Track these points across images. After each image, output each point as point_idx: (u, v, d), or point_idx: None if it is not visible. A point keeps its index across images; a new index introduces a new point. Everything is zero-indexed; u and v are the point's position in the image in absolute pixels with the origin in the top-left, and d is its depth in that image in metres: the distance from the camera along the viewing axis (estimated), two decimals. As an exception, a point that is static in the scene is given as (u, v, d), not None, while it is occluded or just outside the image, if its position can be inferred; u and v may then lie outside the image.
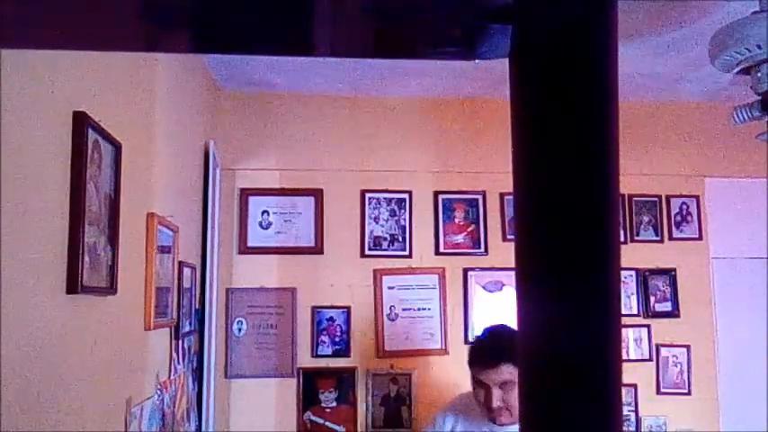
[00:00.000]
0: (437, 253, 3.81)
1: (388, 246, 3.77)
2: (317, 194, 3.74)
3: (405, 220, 3.79)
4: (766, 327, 3.88)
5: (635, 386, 3.84)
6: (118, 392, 1.85)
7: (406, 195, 3.80)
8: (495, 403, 2.14)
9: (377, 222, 3.78)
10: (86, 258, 1.50)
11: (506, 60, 0.24)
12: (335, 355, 3.68)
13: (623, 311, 3.61)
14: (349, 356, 3.68)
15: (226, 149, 3.64)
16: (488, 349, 2.22)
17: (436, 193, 3.84)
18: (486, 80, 3.52)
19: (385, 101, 3.85)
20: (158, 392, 2.28)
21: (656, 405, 3.86)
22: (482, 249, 3.83)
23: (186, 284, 2.71)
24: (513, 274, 0.24)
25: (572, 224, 0.22)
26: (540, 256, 0.23)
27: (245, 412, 3.59)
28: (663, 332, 3.91)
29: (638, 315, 3.91)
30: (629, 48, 3.08)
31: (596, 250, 0.23)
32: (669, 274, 3.95)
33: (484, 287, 3.80)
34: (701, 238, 3.99)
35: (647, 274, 3.93)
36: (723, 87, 3.66)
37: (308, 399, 3.62)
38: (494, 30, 0.24)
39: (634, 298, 3.91)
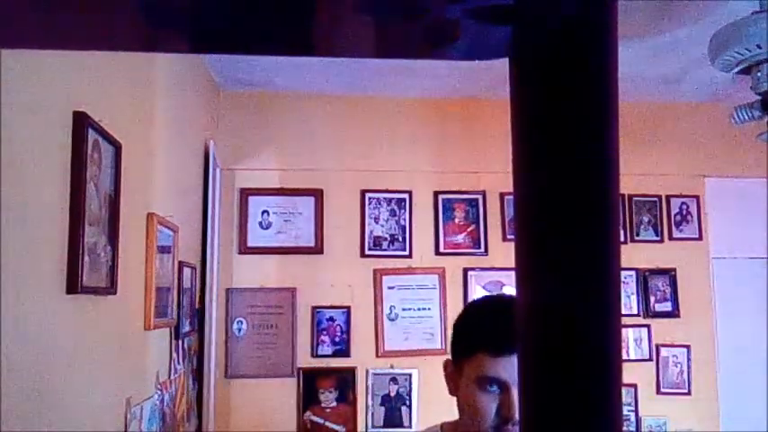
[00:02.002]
0: (437, 253, 3.81)
1: (388, 246, 3.77)
2: (317, 194, 3.74)
3: (405, 220, 3.79)
4: (766, 327, 3.88)
5: (635, 386, 3.84)
6: (118, 392, 1.85)
7: (406, 195, 3.80)
8: (515, 412, 1.24)
9: (377, 222, 3.78)
10: (86, 258, 1.50)
11: (506, 60, 0.24)
12: (335, 355, 3.68)
13: (623, 311, 3.61)
14: (349, 356, 3.68)
15: (226, 149, 3.64)
16: (508, 326, 1.20)
17: (436, 193, 3.84)
18: (486, 80, 3.52)
19: (385, 101, 3.85)
20: (158, 392, 2.28)
21: (656, 405, 3.86)
22: (482, 249, 3.83)
23: (186, 284, 2.71)
24: (513, 274, 0.24)
25: (572, 224, 0.22)
26: (540, 256, 0.23)
27: (245, 412, 3.59)
28: (663, 332, 3.91)
29: (638, 315, 3.91)
30: (629, 48, 3.08)
31: (596, 250, 0.23)
32: (669, 274, 3.95)
33: (484, 287, 3.80)
34: (701, 238, 3.99)
35: (647, 274, 3.93)
36: (723, 87, 3.66)
37: (308, 399, 3.62)
38: (494, 30, 0.24)
39: (634, 298, 3.91)
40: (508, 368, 1.25)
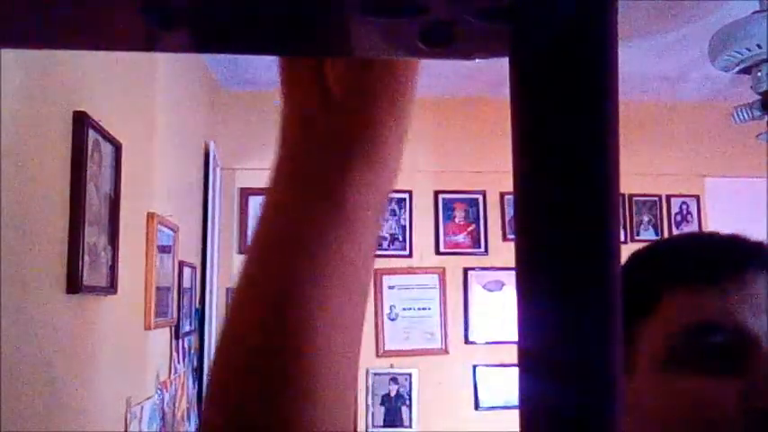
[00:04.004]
0: (437, 253, 3.81)
1: (389, 246, 3.77)
2: (317, 194, 3.74)
3: (405, 219, 3.79)
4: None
5: (635, 386, 3.84)
6: (118, 392, 1.85)
7: (406, 195, 3.80)
8: None
9: (377, 222, 3.78)
10: (86, 258, 1.50)
11: (506, 60, 0.24)
12: (335, 354, 3.67)
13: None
14: (349, 356, 3.68)
15: (226, 149, 3.64)
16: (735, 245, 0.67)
17: (436, 193, 3.84)
18: (486, 80, 3.51)
19: (385, 101, 3.84)
20: (158, 392, 2.28)
21: (656, 405, 3.86)
22: (482, 249, 3.83)
23: (186, 284, 2.71)
24: (513, 273, 0.24)
25: (572, 224, 0.22)
26: (540, 256, 0.23)
27: (245, 412, 3.59)
28: (663, 332, 3.91)
29: (638, 315, 3.91)
30: (629, 48, 3.08)
31: (596, 250, 0.23)
32: (669, 273, 3.95)
33: (484, 287, 3.80)
34: (701, 237, 3.99)
35: (647, 273, 3.93)
36: (723, 87, 3.66)
37: (308, 399, 3.62)
38: (494, 30, 0.24)
39: (634, 298, 3.91)
40: (745, 307, 0.60)
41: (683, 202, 4.01)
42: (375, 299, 3.72)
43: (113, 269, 1.71)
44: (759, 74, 2.36)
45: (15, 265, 1.20)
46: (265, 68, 3.46)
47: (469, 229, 3.86)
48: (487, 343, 3.71)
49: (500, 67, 0.24)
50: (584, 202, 0.22)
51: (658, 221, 3.98)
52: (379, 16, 0.23)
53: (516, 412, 0.27)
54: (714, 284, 0.61)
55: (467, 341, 3.73)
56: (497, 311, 3.72)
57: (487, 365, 3.69)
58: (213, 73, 3.52)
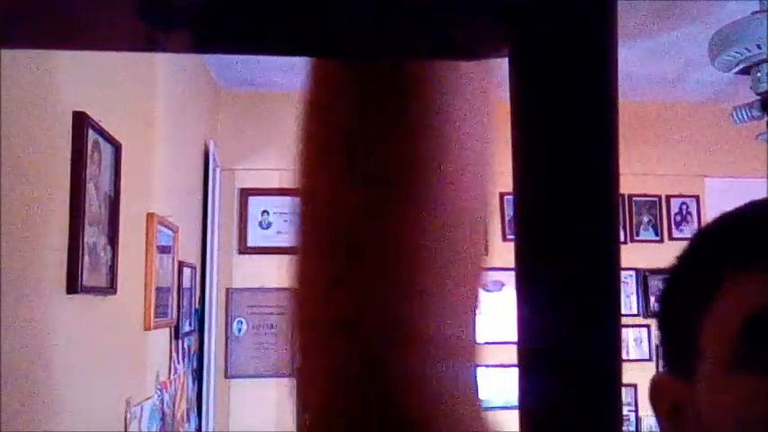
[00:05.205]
0: (437, 253, 3.81)
1: (388, 246, 3.77)
2: (317, 194, 3.74)
3: (405, 220, 3.79)
4: (766, 327, 3.88)
5: (635, 386, 3.84)
6: (118, 392, 1.85)
7: (406, 195, 3.80)
8: None
9: (377, 222, 3.78)
10: (86, 258, 1.50)
11: (506, 60, 0.24)
12: (335, 355, 3.67)
13: (623, 311, 3.59)
14: (349, 356, 3.68)
15: (226, 149, 3.64)
16: None
17: (436, 193, 3.84)
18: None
19: (385, 101, 3.84)
20: (158, 392, 2.28)
21: (656, 405, 3.86)
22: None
23: (186, 284, 2.71)
24: (513, 273, 0.24)
25: (572, 224, 0.22)
26: (539, 255, 0.23)
27: (245, 412, 3.59)
28: (663, 332, 3.91)
29: (637, 315, 3.91)
30: (629, 48, 3.08)
31: (596, 250, 0.23)
32: (669, 274, 3.95)
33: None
34: (700, 238, 3.99)
35: (647, 274, 3.93)
36: (723, 87, 3.66)
37: (307, 399, 3.62)
38: (494, 29, 0.24)
39: (634, 298, 3.91)
40: None
41: (683, 203, 4.01)
42: (375, 299, 3.72)
43: (113, 269, 1.71)
44: (759, 74, 2.36)
45: (15, 265, 1.20)
46: (265, 69, 3.46)
47: (469, 229, 3.85)
48: (487, 343, 3.71)
49: (500, 67, 0.24)
50: (584, 202, 0.22)
51: (658, 222, 3.98)
52: (379, 17, 0.23)
53: (516, 412, 0.27)
54: None
55: (467, 341, 3.73)
56: (497, 311, 3.72)
57: (487, 365, 3.69)
58: (213, 73, 3.52)
